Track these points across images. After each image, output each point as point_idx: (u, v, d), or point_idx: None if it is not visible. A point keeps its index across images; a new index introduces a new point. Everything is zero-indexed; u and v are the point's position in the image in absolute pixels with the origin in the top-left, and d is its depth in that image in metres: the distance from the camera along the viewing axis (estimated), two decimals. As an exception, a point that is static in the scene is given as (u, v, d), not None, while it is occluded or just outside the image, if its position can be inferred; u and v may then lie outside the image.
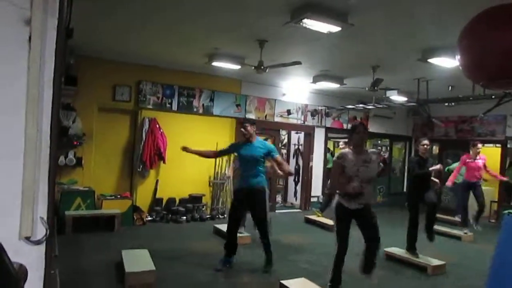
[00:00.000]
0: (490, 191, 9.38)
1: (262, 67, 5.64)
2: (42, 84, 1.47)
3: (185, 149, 4.93)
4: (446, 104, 7.60)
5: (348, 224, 3.84)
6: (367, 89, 6.73)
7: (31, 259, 1.47)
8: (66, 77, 6.19)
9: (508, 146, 9.21)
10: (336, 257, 3.85)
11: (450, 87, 7.48)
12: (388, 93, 7.80)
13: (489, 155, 9.68)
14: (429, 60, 5.30)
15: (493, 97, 6.23)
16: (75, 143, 6.39)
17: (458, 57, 2.97)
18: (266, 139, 8.95)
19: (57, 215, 5.87)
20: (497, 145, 9.66)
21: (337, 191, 3.88)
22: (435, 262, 5.06)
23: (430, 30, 4.41)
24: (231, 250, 4.74)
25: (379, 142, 12.76)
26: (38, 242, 1.49)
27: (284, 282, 3.91)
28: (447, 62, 5.32)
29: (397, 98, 8.10)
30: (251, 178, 4.60)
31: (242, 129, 4.74)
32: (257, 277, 4.48)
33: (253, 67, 5.73)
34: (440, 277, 4.88)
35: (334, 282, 3.86)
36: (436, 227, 7.50)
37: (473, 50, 2.79)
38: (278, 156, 4.74)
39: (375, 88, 6.59)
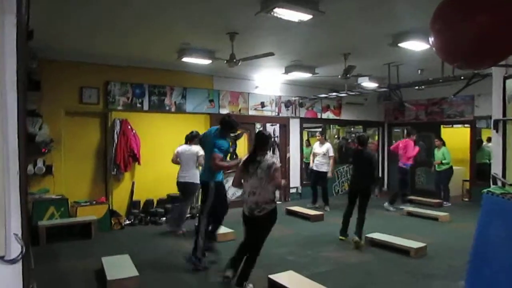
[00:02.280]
0: (461, 170, 9.70)
1: (234, 60, 5.55)
2: (4, 87, 1.33)
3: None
4: (417, 87, 7.74)
5: None
6: (339, 77, 6.76)
7: (7, 280, 1.35)
8: (29, 82, 5.90)
9: (477, 126, 9.52)
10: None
11: (419, 71, 7.63)
12: (360, 79, 7.90)
13: (458, 136, 10.04)
14: (400, 45, 5.36)
15: (462, 78, 6.38)
16: (43, 150, 6.11)
17: (431, 39, 2.97)
18: (241, 133, 8.92)
19: (30, 226, 5.61)
20: (466, 125, 9.98)
21: None
22: (417, 244, 5.14)
23: (400, 14, 4.45)
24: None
25: (352, 129, 12.97)
26: (13, 261, 1.36)
27: (272, 276, 3.87)
28: (417, 45, 5.39)
29: (368, 84, 8.21)
30: None
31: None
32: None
33: (224, 61, 5.62)
34: (423, 259, 4.97)
35: None
36: (413, 209, 7.76)
37: (446, 33, 2.80)
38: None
39: (347, 75, 6.62)
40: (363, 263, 4.78)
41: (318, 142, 8.57)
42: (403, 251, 5.10)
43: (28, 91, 5.82)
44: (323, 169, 8.20)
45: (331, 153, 8.25)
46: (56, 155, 6.33)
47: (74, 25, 4.89)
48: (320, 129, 9.80)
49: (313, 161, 8.46)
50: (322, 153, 8.26)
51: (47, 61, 6.13)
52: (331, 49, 6.17)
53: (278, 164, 3.86)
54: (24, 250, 1.38)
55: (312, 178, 8.55)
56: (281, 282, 3.71)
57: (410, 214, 7.61)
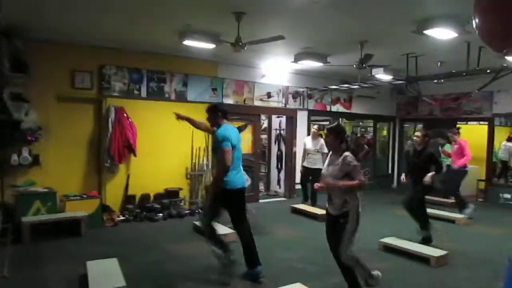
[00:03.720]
0: (476, 169, 9.16)
1: (240, 44, 5.00)
2: None
3: (178, 115, 4.26)
4: (436, 81, 7.18)
5: None
6: (354, 66, 6.19)
7: None
8: (14, 63, 5.40)
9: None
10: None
11: (439, 63, 7.06)
12: (374, 71, 7.32)
13: (473, 133, 9.46)
14: (425, 32, 4.78)
15: (488, 71, 5.84)
16: (29, 138, 5.60)
17: (476, 21, 2.44)
18: (245, 125, 8.40)
19: (12, 222, 5.14)
20: (481, 122, 9.43)
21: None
22: (437, 252, 4.65)
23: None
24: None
25: (360, 123, 12.44)
26: None
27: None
28: (445, 34, 4.82)
29: (383, 76, 7.63)
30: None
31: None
32: (245, 283, 3.93)
33: (229, 44, 5.07)
34: (445, 268, 4.47)
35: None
36: (431, 210, 7.15)
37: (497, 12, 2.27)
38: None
39: (363, 65, 6.06)
40: (378, 271, 4.28)
41: (310, 137, 7.71)
42: (422, 259, 4.60)
43: (12, 73, 5.37)
44: (318, 165, 7.15)
45: (325, 150, 7.07)
46: (44, 144, 5.81)
47: (66, 1, 4.35)
48: (328, 122, 9.22)
49: (304, 158, 7.64)
50: (315, 150, 7.41)
51: (35, 41, 5.61)
52: (347, 36, 5.60)
53: None
54: None
55: (304, 175, 7.63)
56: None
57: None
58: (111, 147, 6.30)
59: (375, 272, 3.48)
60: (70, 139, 6.21)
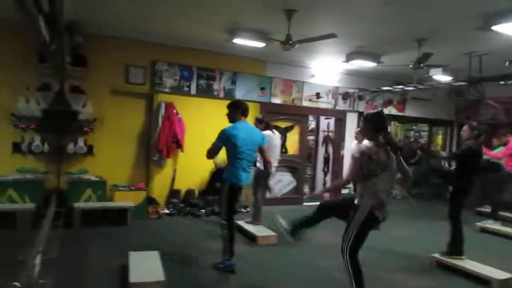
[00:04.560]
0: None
1: (290, 42, 4.90)
2: None
3: None
4: (503, 82, 6.60)
5: None
6: (411, 66, 5.86)
7: None
8: (74, 56, 5.68)
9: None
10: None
11: (507, 62, 6.47)
12: (431, 71, 6.88)
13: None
14: (493, 28, 4.39)
15: None
16: (85, 129, 5.88)
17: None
18: (291, 126, 8.27)
19: (66, 207, 5.42)
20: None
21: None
22: (500, 274, 4.12)
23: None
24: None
25: (413, 127, 11.83)
26: None
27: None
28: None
29: (441, 77, 7.16)
30: None
31: None
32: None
33: (279, 42, 4.99)
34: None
35: None
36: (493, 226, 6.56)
37: None
38: None
39: (421, 65, 5.72)
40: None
41: (355, 141, 7.01)
42: (481, 280, 4.12)
43: (72, 67, 5.65)
44: None
45: None
46: (98, 135, 6.08)
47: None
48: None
49: None
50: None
51: (93, 36, 5.85)
52: (404, 34, 5.32)
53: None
54: None
55: None
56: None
57: (484, 230, 6.50)
58: (160, 142, 6.45)
59: None
60: (121, 132, 6.45)
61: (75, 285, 3.58)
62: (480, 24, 4.46)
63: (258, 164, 5.55)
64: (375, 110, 3.39)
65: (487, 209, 7.17)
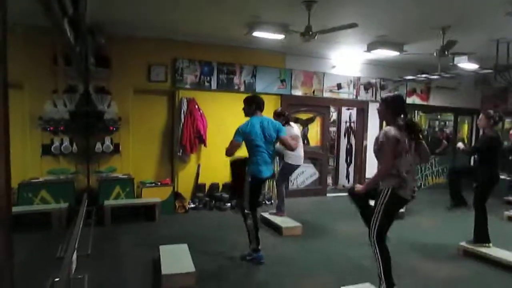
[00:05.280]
0: None
1: (310, 33, 4.86)
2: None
3: None
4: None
5: None
6: (435, 54, 5.73)
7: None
8: (97, 58, 5.80)
9: None
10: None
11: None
12: (457, 59, 6.70)
13: None
14: (522, 12, 4.26)
15: None
16: (111, 128, 6.01)
17: None
18: (312, 118, 8.24)
19: (96, 205, 5.58)
20: None
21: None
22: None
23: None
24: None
25: (438, 117, 11.57)
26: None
27: (346, 289, 3.25)
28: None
29: (466, 65, 6.98)
30: None
31: None
32: (315, 279, 3.86)
33: (299, 34, 4.96)
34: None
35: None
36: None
37: None
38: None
39: (446, 52, 5.59)
40: (455, 280, 3.94)
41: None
42: (509, 268, 4.11)
43: (97, 68, 5.78)
44: None
45: None
46: (123, 134, 6.22)
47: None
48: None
49: None
50: None
51: (115, 37, 5.95)
52: (427, 21, 5.20)
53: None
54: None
55: None
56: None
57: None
58: (183, 138, 6.55)
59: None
60: (145, 130, 6.58)
61: (111, 279, 3.71)
62: (509, 9, 4.31)
63: (284, 158, 5.62)
64: (394, 93, 3.39)
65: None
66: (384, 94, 3.26)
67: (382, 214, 3.05)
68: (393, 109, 3.09)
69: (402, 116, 3.09)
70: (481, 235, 4.56)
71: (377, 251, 3.08)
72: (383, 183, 3.08)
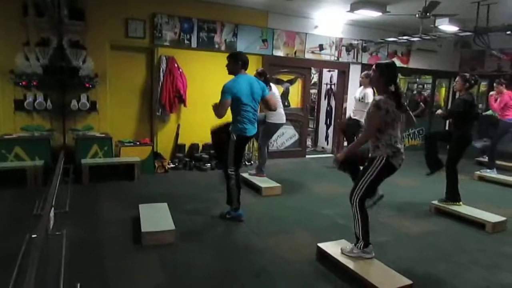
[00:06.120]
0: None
1: (294, -9, 4.73)
2: None
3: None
4: (509, 32, 6.44)
5: None
6: (417, 15, 5.70)
7: None
8: (71, 9, 5.52)
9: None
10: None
11: (516, 12, 6.31)
12: (438, 21, 6.70)
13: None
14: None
15: None
16: (87, 85, 5.83)
17: None
18: (294, 79, 8.20)
19: (74, 163, 5.51)
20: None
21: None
22: (494, 217, 4.40)
23: None
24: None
25: (417, 80, 11.71)
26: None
27: (322, 245, 3.37)
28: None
29: (447, 27, 6.98)
30: None
31: None
32: (290, 236, 3.98)
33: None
34: (501, 235, 4.24)
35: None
36: (486, 173, 6.80)
37: None
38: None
39: (427, 14, 5.56)
40: (427, 235, 4.16)
41: (360, 87, 7.09)
42: (477, 224, 4.38)
43: (70, 20, 5.51)
44: (357, 116, 6.69)
45: (369, 100, 6.36)
46: (101, 91, 6.04)
47: None
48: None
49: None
50: (358, 99, 6.81)
51: (90, -12, 5.66)
52: (411, -19, 5.13)
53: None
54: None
55: (346, 127, 7.12)
56: (332, 254, 3.20)
57: (482, 179, 6.70)
58: (162, 97, 6.43)
59: (369, 247, 3.22)
60: (124, 88, 6.42)
61: (90, 236, 3.73)
62: (492, -31, 4.28)
63: (266, 118, 5.62)
64: (388, 61, 3.31)
65: (486, 158, 7.36)
66: (370, 62, 3.21)
67: (372, 180, 3.11)
68: (387, 77, 3.05)
69: (393, 85, 3.06)
70: (452, 194, 4.80)
71: (358, 213, 3.17)
72: (377, 151, 3.10)
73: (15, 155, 5.26)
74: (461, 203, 4.79)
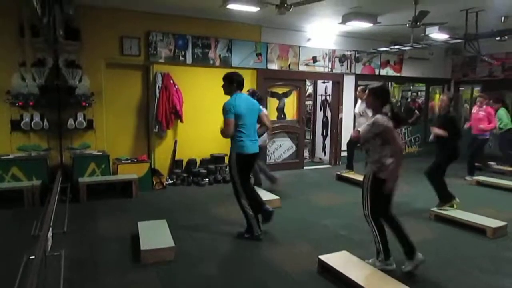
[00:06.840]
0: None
1: (285, 5, 4.81)
2: None
3: None
4: (498, 38, 6.56)
5: None
6: (407, 25, 5.79)
7: None
8: (67, 30, 5.57)
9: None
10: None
11: (503, 18, 6.42)
12: (428, 30, 6.82)
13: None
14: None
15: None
16: (83, 103, 5.85)
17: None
18: (290, 91, 8.25)
19: (71, 182, 5.50)
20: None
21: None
22: (495, 222, 4.40)
23: None
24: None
25: (411, 87, 11.83)
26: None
27: (323, 257, 3.35)
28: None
29: (438, 35, 7.09)
30: None
31: None
32: (290, 248, 3.97)
33: (274, 6, 4.90)
34: (503, 240, 4.24)
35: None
36: (484, 178, 6.84)
37: None
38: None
39: (417, 23, 5.65)
40: (427, 242, 4.14)
41: (359, 100, 7.05)
42: (477, 230, 4.38)
43: (66, 40, 5.55)
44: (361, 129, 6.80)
45: (370, 113, 6.63)
46: (97, 109, 6.07)
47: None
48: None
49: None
50: (359, 113, 6.86)
51: (85, 7, 5.73)
52: (400, -9, 5.22)
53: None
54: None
55: (350, 140, 7.21)
56: (334, 266, 3.18)
57: (480, 184, 6.73)
58: (159, 113, 6.45)
59: (390, 259, 3.40)
60: (120, 105, 6.45)
61: (88, 255, 3.70)
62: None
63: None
64: (379, 85, 3.66)
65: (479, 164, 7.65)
66: (371, 86, 3.61)
67: (371, 197, 3.31)
68: (381, 100, 3.34)
69: (388, 105, 3.37)
70: (444, 195, 4.94)
71: (374, 228, 3.36)
72: (366, 169, 3.36)
73: (12, 176, 5.25)
74: (457, 199, 4.94)
